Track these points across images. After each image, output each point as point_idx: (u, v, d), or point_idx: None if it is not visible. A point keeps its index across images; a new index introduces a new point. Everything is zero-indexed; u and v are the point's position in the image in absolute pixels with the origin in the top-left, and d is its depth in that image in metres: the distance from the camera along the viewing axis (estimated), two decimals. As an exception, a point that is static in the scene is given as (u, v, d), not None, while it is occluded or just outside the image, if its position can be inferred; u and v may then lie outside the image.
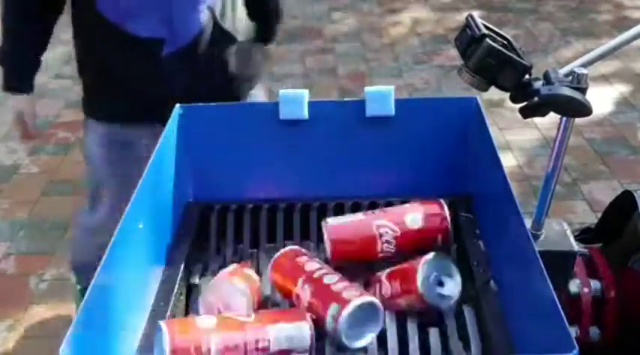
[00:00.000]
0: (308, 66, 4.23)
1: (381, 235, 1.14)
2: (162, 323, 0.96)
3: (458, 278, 1.04)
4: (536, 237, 1.35)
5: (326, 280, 1.04)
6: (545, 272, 0.89)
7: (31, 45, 1.80)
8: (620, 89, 3.75)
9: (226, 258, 1.25)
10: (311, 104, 1.29)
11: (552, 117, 1.20)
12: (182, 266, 1.16)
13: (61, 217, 2.87)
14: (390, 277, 1.08)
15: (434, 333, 1.02)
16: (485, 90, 1.19)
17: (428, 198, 1.20)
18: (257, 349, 0.96)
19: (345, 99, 1.37)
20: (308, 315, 1.00)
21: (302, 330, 0.98)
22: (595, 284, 1.44)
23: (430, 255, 1.04)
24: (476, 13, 1.23)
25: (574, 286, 1.42)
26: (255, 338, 0.96)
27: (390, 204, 1.29)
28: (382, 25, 4.86)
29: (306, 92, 1.29)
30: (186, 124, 1.29)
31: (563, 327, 0.81)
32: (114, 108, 1.83)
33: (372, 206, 1.29)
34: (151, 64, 1.72)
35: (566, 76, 1.18)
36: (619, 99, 3.66)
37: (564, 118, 1.25)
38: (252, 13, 1.85)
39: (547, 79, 1.16)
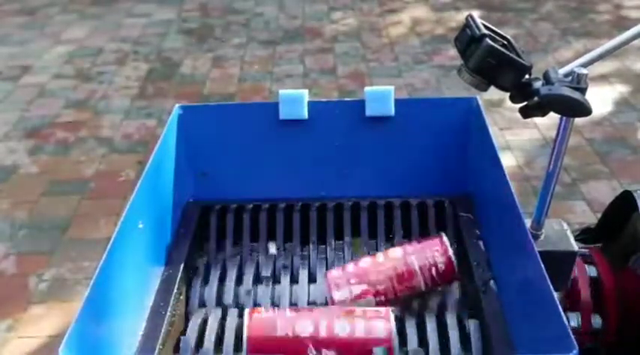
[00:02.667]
0: (308, 66, 4.23)
1: None
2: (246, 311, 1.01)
3: None
4: (536, 237, 1.35)
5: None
6: (545, 272, 0.89)
7: None
8: (619, 89, 3.75)
9: (226, 257, 1.25)
10: (311, 104, 1.29)
11: (552, 117, 1.19)
12: (182, 266, 1.16)
13: (61, 217, 2.87)
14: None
15: (433, 333, 1.02)
16: (485, 90, 1.19)
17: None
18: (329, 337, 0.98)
19: (345, 99, 1.37)
20: (391, 313, 1.01)
21: (380, 326, 0.99)
22: (591, 269, 1.44)
23: None
24: (476, 13, 1.22)
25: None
26: (326, 330, 0.98)
27: (390, 206, 1.29)
28: (382, 24, 4.86)
29: (305, 92, 1.29)
30: (185, 124, 1.29)
31: (563, 327, 0.81)
32: None
33: (372, 206, 1.29)
34: None
35: (566, 76, 1.18)
36: (619, 100, 3.66)
37: (564, 118, 1.25)
38: None
39: (547, 79, 1.16)
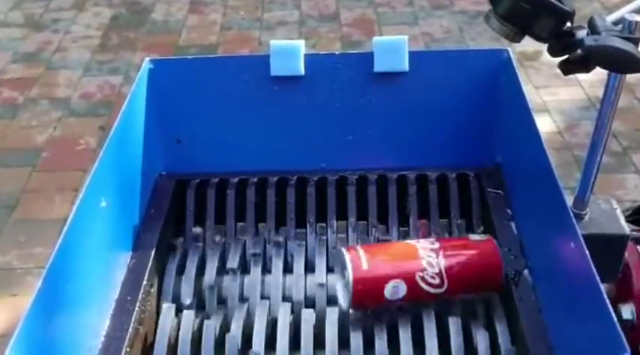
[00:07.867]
0: (304, 11, 4.22)
1: None
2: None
3: None
4: (579, 217, 1.35)
5: None
6: (590, 259, 0.88)
7: None
8: (680, 39, 3.75)
9: (206, 242, 1.25)
10: (308, 57, 1.29)
11: (598, 73, 1.19)
12: (153, 252, 1.16)
13: (8, 193, 2.88)
14: None
15: (456, 331, 1.03)
16: (518, 41, 1.18)
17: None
18: None
19: (350, 51, 1.37)
20: None
21: None
22: None
23: None
24: (507, -53, 1.22)
25: None
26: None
27: (403, 179, 1.29)
28: (394, -39, 4.85)
29: (302, 43, 1.29)
30: (157, 82, 1.28)
31: (612, 326, 0.80)
32: None
33: (382, 180, 1.29)
34: None
35: (615, 23, 1.18)
36: (679, 52, 3.65)
37: (613, 75, 1.25)
38: None
39: (592, 28, 1.16)
